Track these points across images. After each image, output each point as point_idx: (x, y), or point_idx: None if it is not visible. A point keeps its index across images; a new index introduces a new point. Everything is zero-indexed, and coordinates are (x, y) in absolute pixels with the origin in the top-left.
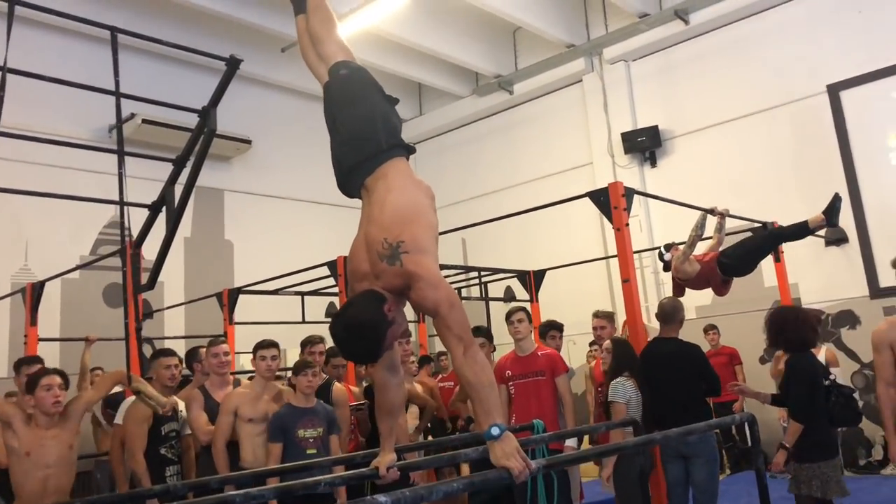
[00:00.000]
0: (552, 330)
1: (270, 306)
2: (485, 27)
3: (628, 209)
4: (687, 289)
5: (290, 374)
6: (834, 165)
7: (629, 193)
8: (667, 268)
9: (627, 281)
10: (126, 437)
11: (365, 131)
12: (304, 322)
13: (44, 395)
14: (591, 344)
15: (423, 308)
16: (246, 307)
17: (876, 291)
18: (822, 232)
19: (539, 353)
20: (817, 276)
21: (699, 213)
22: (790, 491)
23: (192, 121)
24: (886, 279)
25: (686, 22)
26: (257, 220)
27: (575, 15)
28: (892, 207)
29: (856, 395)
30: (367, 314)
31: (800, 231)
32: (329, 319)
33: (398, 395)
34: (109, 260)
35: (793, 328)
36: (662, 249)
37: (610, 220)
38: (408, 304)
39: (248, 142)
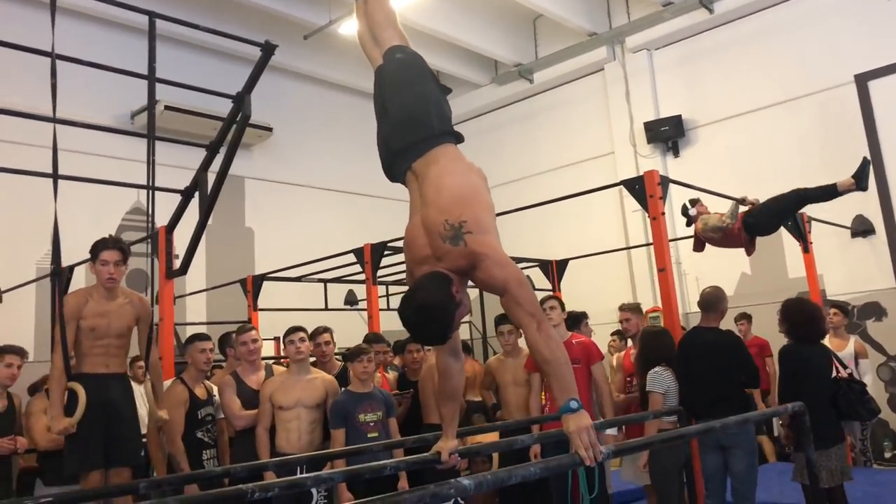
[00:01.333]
0: (584, 319)
1: (291, 293)
2: (505, 15)
3: (664, 198)
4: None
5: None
6: (861, 156)
7: (664, 182)
8: (689, 223)
9: (663, 270)
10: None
11: (418, 115)
12: (326, 309)
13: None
14: (612, 334)
15: (491, 287)
16: (266, 294)
17: None
18: (848, 223)
19: (574, 342)
20: (843, 268)
21: (729, 202)
22: (792, 479)
23: (215, 108)
24: None
25: (710, 10)
26: (278, 207)
27: (597, 3)
28: None
29: (870, 389)
30: (436, 296)
31: (827, 193)
32: (348, 307)
33: (460, 380)
34: (134, 246)
35: (799, 318)
36: (688, 204)
37: (646, 208)
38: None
39: (270, 129)
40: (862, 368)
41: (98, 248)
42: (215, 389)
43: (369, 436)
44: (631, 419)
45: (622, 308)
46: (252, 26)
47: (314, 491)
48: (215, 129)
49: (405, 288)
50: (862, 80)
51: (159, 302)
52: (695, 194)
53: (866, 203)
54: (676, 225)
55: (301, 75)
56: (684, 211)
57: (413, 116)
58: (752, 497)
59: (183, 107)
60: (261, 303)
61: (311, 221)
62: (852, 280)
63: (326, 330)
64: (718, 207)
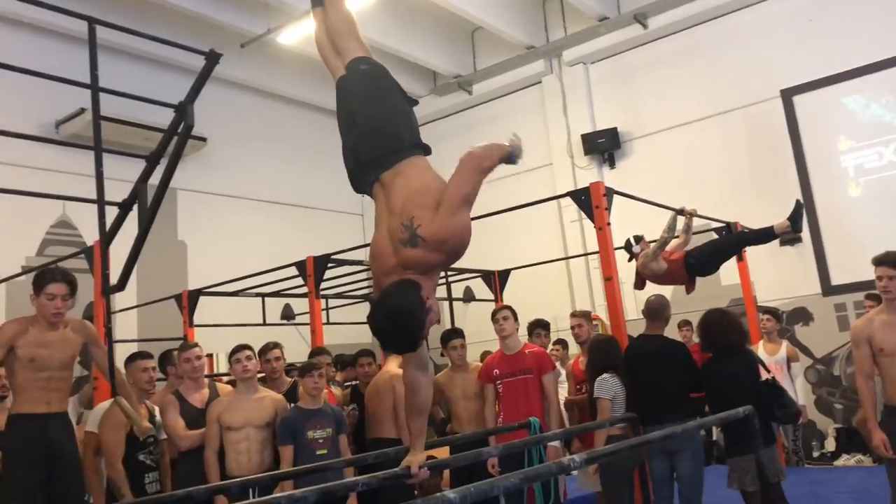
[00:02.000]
0: (538, 328)
1: (226, 308)
2: (444, 27)
3: (609, 208)
4: (648, 282)
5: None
6: (788, 167)
7: (609, 193)
8: (631, 258)
9: (610, 279)
10: (104, 443)
11: (387, 127)
12: (265, 324)
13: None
14: (554, 343)
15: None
16: (201, 309)
17: (828, 289)
18: None
19: (526, 352)
20: (772, 275)
21: (668, 213)
22: (728, 486)
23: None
24: (838, 277)
25: (645, 26)
26: (212, 220)
27: (534, 17)
28: (843, 208)
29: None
30: (406, 302)
31: (765, 236)
32: (285, 321)
33: (429, 393)
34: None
35: (718, 332)
36: (632, 240)
37: (592, 219)
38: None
39: (204, 140)
40: (794, 371)
41: (44, 280)
42: (157, 409)
43: (318, 453)
44: (587, 428)
45: (574, 315)
46: (188, 33)
47: None
48: (146, 139)
49: (347, 302)
50: (787, 95)
51: (94, 320)
52: (637, 205)
53: (789, 210)
54: (615, 235)
55: (237, 84)
56: (628, 247)
57: (382, 128)
58: (698, 500)
59: (111, 115)
60: (196, 318)
61: (248, 234)
62: (781, 287)
63: (276, 345)
64: (657, 218)
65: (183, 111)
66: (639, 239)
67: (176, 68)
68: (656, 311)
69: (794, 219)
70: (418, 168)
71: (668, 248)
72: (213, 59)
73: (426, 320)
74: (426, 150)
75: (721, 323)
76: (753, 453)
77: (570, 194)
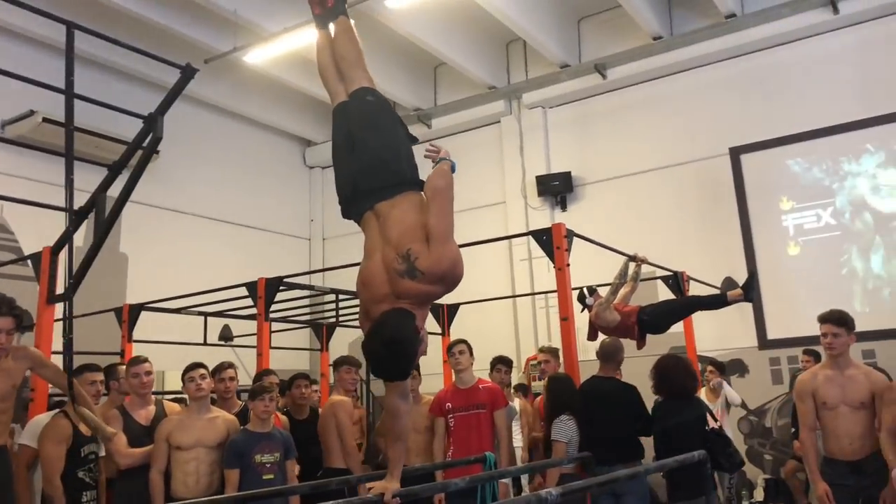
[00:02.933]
0: (500, 364)
1: (164, 325)
2: (408, 59)
3: (569, 250)
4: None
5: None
6: (733, 222)
7: (570, 235)
8: (584, 309)
9: (566, 319)
10: (43, 458)
11: (390, 160)
12: (205, 344)
13: None
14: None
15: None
16: (138, 325)
17: (764, 343)
18: (718, 283)
19: (480, 387)
20: (712, 326)
21: (616, 259)
22: None
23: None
24: (774, 332)
25: (604, 76)
26: (157, 234)
27: (497, 58)
28: (782, 265)
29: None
30: (404, 331)
31: (717, 302)
32: (223, 342)
33: (407, 421)
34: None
35: (674, 376)
36: (585, 291)
37: (552, 259)
38: None
39: (156, 152)
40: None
41: None
42: None
43: (265, 478)
44: (545, 465)
45: (542, 350)
46: (149, 46)
47: None
48: (97, 146)
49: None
50: (735, 153)
51: (37, 329)
52: (586, 249)
53: (735, 266)
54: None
55: (195, 100)
56: (581, 298)
57: (386, 161)
58: None
59: (60, 120)
60: (135, 334)
61: (192, 251)
62: (720, 337)
63: (231, 365)
64: (606, 263)
65: (153, 122)
66: (592, 290)
67: (139, 80)
68: (610, 353)
69: (748, 287)
70: (413, 203)
71: (618, 296)
72: (188, 73)
73: (418, 350)
74: (422, 188)
75: (676, 368)
76: (705, 496)
77: (532, 234)
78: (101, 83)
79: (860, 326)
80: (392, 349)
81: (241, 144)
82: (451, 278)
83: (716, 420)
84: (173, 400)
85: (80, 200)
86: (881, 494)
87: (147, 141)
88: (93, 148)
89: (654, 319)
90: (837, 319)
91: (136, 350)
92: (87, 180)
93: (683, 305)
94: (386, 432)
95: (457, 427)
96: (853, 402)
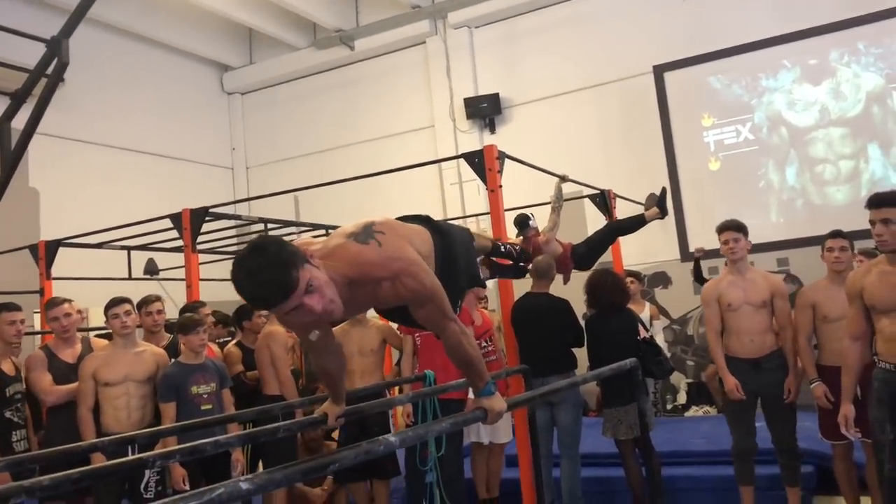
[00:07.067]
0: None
1: (86, 262)
2: None
3: (501, 171)
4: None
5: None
6: (657, 140)
7: (502, 157)
8: (521, 234)
9: (499, 240)
10: None
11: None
12: (130, 278)
13: None
14: None
15: (407, 298)
16: (57, 262)
17: (686, 255)
18: (642, 199)
19: None
20: (636, 241)
21: (545, 179)
22: (603, 434)
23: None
24: (695, 244)
25: None
26: (69, 167)
27: None
28: (703, 180)
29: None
30: (277, 242)
31: (638, 223)
32: (148, 276)
33: (333, 354)
34: None
35: (603, 290)
36: (530, 215)
37: (484, 181)
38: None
39: (62, 80)
40: (655, 329)
41: None
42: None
43: (203, 408)
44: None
45: None
46: None
47: (146, 471)
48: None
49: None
50: (659, 71)
51: None
52: (515, 171)
53: (658, 183)
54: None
55: (102, 24)
56: (524, 221)
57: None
58: (575, 447)
59: None
60: (54, 271)
61: (109, 184)
62: (644, 252)
63: (158, 298)
64: (535, 184)
65: (56, 46)
66: (528, 218)
67: (42, 4)
68: (543, 270)
69: (661, 205)
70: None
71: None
72: None
73: (299, 277)
74: None
75: (606, 282)
76: (636, 402)
77: (464, 156)
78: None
79: (775, 236)
80: (258, 256)
81: (154, 71)
82: (403, 279)
83: (647, 329)
84: (101, 336)
85: None
86: (785, 383)
87: (52, 67)
88: None
89: (588, 253)
90: (736, 226)
91: (57, 288)
92: None
93: (608, 234)
94: (317, 371)
95: (423, 345)
96: (755, 302)
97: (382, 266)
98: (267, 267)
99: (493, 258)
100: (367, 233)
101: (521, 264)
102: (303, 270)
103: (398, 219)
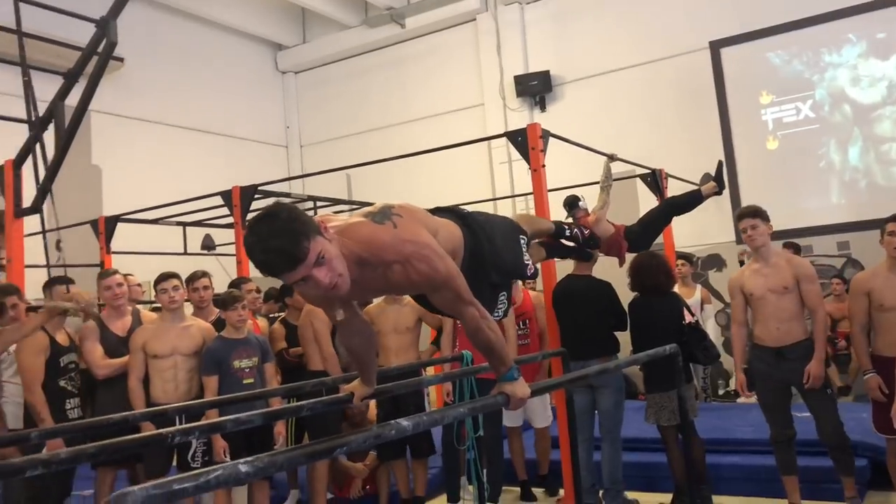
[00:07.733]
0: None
1: (144, 236)
2: None
3: (545, 150)
4: None
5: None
6: (712, 118)
7: (546, 135)
8: (570, 216)
9: None
10: (22, 370)
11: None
12: (185, 253)
13: None
14: None
15: (422, 285)
16: (117, 237)
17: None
18: (696, 180)
19: None
20: (690, 222)
21: (595, 159)
22: (646, 420)
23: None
24: None
25: None
26: (129, 145)
27: None
28: (760, 160)
29: (710, 333)
30: (293, 210)
31: (694, 199)
32: (205, 251)
33: (364, 335)
34: None
35: (647, 273)
36: (580, 196)
37: (528, 160)
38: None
39: (121, 60)
40: (706, 314)
41: None
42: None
43: (245, 382)
44: (521, 360)
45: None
46: None
47: (193, 441)
48: (58, 55)
49: None
50: (715, 47)
51: (7, 242)
52: (564, 150)
53: (711, 161)
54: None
55: (159, 4)
56: (573, 202)
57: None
58: (617, 433)
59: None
60: (113, 245)
61: (167, 161)
62: (698, 233)
63: (205, 274)
64: (584, 163)
65: (104, 26)
66: (578, 199)
67: None
68: None
69: (718, 179)
70: None
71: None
72: None
73: (311, 244)
74: None
75: (650, 265)
76: (676, 389)
77: (507, 135)
78: None
79: (836, 219)
80: (270, 222)
81: (210, 51)
82: (415, 263)
83: (693, 315)
84: (153, 310)
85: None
86: (805, 369)
87: (101, 46)
88: (54, 57)
89: (643, 232)
90: (753, 212)
91: (116, 262)
92: (49, 91)
93: (664, 211)
94: (345, 349)
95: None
96: (777, 288)
97: (393, 248)
98: (277, 233)
99: (557, 240)
100: (384, 214)
101: (588, 250)
102: (314, 242)
103: (430, 211)
